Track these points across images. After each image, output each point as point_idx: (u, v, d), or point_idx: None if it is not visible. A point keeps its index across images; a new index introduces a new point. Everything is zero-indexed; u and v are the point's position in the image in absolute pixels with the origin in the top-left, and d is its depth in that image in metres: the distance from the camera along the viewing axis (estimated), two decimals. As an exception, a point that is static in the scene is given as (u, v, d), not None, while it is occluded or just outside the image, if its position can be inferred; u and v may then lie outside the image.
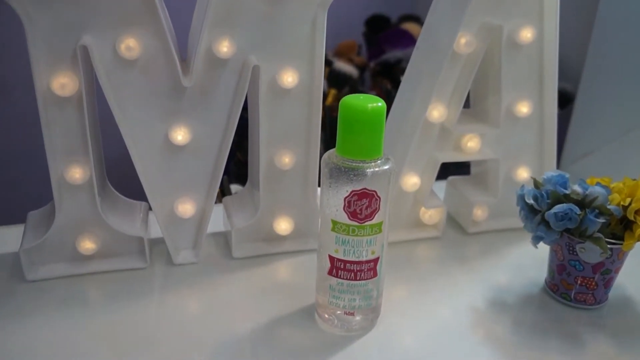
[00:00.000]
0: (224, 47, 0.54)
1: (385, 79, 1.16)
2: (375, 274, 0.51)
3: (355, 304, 0.51)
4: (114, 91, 0.53)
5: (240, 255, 0.63)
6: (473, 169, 0.74)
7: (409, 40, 1.22)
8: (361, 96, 0.47)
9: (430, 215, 0.68)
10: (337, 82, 1.13)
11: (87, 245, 0.58)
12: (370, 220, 0.48)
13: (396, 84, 1.14)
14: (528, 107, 0.65)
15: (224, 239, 0.67)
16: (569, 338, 0.54)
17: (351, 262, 0.49)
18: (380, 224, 0.49)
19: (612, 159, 0.85)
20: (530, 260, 0.65)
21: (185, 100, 0.55)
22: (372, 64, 1.25)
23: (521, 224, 0.70)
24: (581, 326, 0.55)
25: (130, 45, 0.51)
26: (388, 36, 1.26)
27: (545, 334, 0.54)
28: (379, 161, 0.48)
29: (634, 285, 0.61)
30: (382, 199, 0.48)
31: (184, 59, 0.57)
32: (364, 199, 0.47)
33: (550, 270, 0.59)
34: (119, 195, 0.63)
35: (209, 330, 0.52)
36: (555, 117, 0.66)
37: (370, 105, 0.46)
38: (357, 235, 0.48)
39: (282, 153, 0.60)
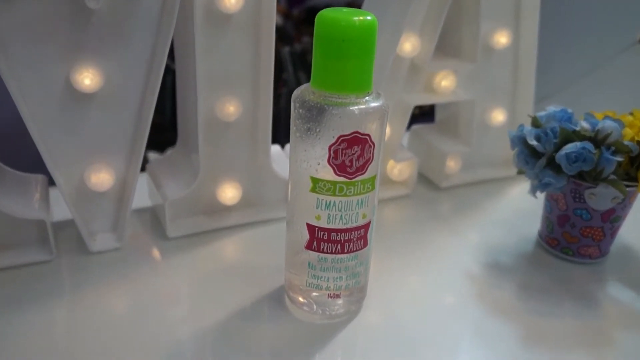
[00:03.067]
0: (143, -45, 0.40)
1: (312, 27, 1.04)
2: (365, 244, 0.40)
3: (342, 283, 0.40)
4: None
5: (176, 234, 0.52)
6: (438, 115, 0.64)
7: (334, -16, 1.10)
8: (343, 9, 0.36)
9: (400, 169, 0.58)
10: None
11: (-35, 236, 0.43)
12: (362, 174, 0.37)
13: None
14: (507, 37, 0.56)
15: (153, 216, 0.55)
16: (580, 299, 0.47)
17: (338, 231, 0.38)
18: (373, 179, 0.38)
19: (567, 103, 0.80)
20: (513, 214, 0.58)
21: (92, 29, 0.42)
22: (295, 12, 1.12)
23: (495, 174, 0.63)
24: (589, 283, 0.49)
25: (5, -52, 0.37)
26: (310, -20, 1.14)
27: (555, 296, 0.47)
28: (367, 97, 0.36)
29: (630, 233, 0.55)
30: (375, 146, 0.37)
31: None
32: (355, 146, 0.36)
33: (548, 223, 0.51)
34: (5, 167, 0.49)
35: (141, 335, 0.41)
36: (535, 49, 0.58)
37: (356, 18, 0.35)
38: (345, 195, 0.37)
39: (226, 100, 0.48)
